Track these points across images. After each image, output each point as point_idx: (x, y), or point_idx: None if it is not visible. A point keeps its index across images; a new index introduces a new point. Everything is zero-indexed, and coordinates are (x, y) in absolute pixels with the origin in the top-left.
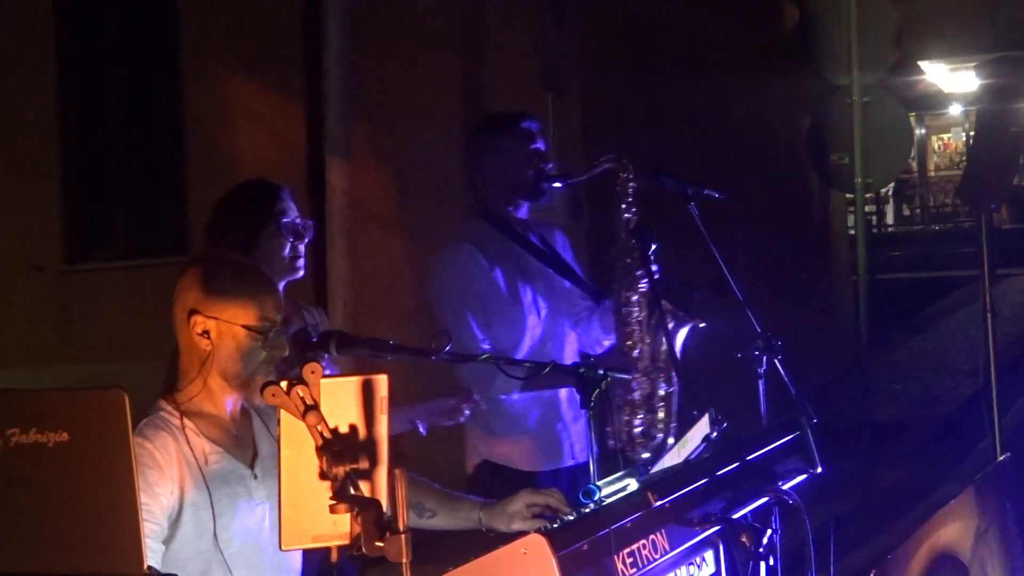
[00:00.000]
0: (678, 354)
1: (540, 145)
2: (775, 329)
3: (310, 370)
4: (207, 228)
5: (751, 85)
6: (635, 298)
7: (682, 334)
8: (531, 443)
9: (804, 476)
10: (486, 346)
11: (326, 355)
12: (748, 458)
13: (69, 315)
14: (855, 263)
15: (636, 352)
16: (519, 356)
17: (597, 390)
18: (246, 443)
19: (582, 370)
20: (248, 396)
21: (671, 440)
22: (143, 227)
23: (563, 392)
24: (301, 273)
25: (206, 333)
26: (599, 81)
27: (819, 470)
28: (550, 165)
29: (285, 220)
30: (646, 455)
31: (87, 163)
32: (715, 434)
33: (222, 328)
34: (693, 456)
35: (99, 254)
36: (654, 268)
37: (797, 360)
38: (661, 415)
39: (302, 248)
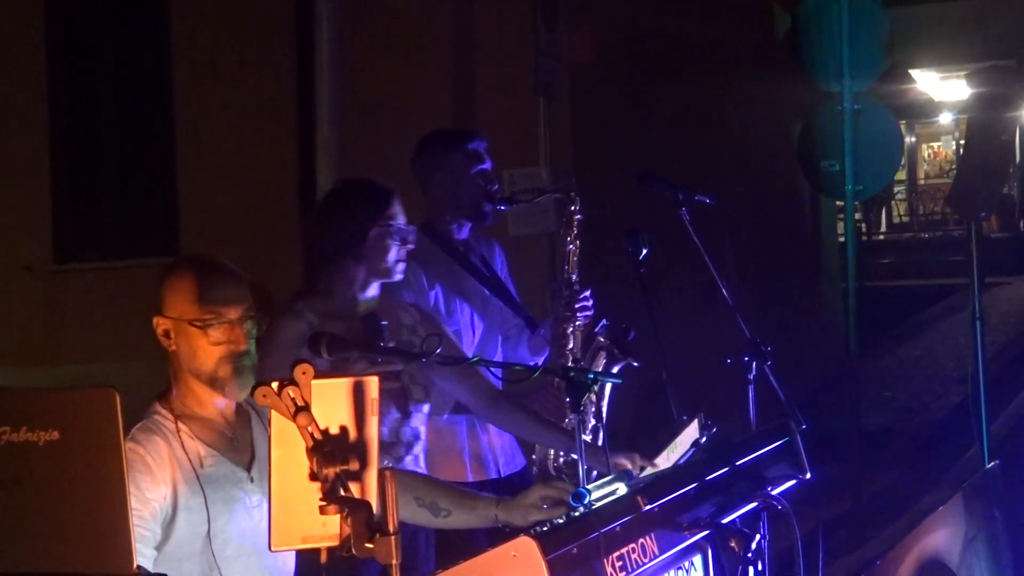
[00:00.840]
0: (605, 394)
1: (487, 166)
2: (765, 335)
3: (301, 371)
4: (314, 217)
5: (742, 91)
6: (570, 330)
7: (607, 390)
8: (458, 458)
9: (793, 482)
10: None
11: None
12: (737, 463)
13: (59, 315)
14: (844, 269)
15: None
16: None
17: (587, 394)
18: (242, 445)
19: (572, 374)
20: (225, 395)
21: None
22: (133, 228)
23: None
24: (399, 276)
25: (167, 333)
26: (590, 85)
27: (808, 476)
28: (496, 187)
29: (395, 223)
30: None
31: (77, 163)
32: (704, 439)
33: (176, 326)
34: (682, 461)
35: (89, 255)
36: (589, 303)
37: (786, 366)
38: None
39: (404, 253)
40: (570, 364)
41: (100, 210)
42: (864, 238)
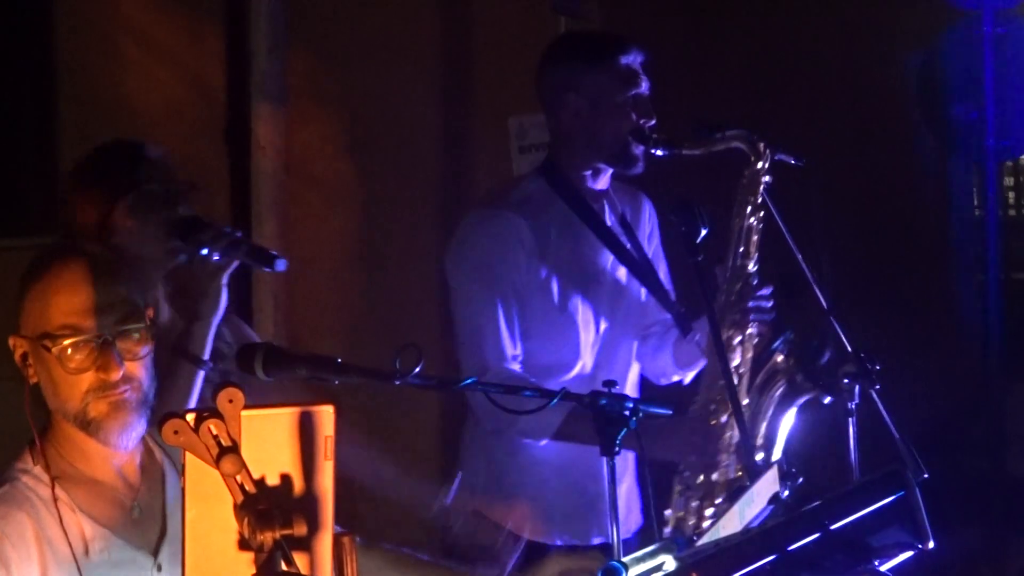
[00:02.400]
0: (783, 437)
1: (643, 89)
2: (872, 348)
3: (227, 398)
4: (59, 212)
5: (842, 15)
6: (739, 339)
7: (790, 414)
8: (549, 507)
9: (910, 552)
10: (515, 367)
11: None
12: (832, 527)
13: None
14: (984, 256)
15: (724, 418)
16: (565, 383)
17: (625, 430)
18: (148, 517)
19: (603, 402)
20: (103, 442)
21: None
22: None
23: None
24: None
25: (25, 358)
26: (631, 4)
27: (931, 545)
28: (653, 122)
29: (148, 188)
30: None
31: None
32: (786, 492)
33: (33, 349)
34: (756, 522)
35: None
36: (768, 305)
37: (902, 391)
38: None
39: None
40: (713, 397)
41: None
42: (1012, 213)
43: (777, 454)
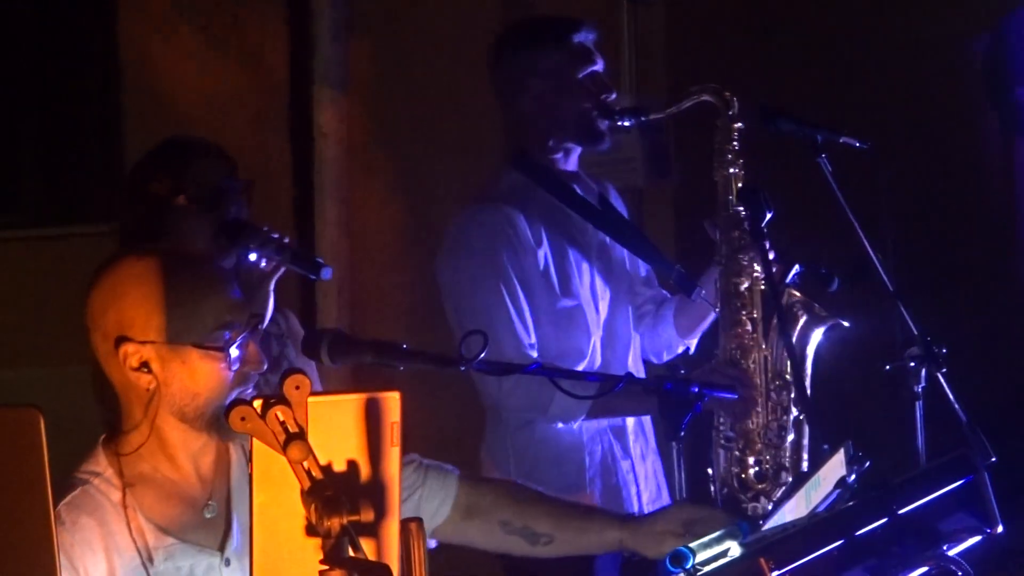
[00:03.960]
0: (809, 365)
1: (599, 66)
2: (939, 331)
3: (294, 384)
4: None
5: None
6: (746, 286)
7: (815, 337)
8: (587, 487)
9: (978, 537)
10: (533, 354)
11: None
12: (900, 512)
13: None
14: None
15: (751, 363)
16: (581, 368)
17: (690, 415)
18: (218, 514)
19: (668, 386)
20: (225, 437)
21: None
22: (61, 184)
23: (630, 420)
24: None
25: (145, 366)
26: None
27: (1000, 529)
28: (614, 95)
29: (201, 186)
30: (762, 506)
31: None
32: (853, 477)
33: (165, 354)
34: (822, 508)
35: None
36: (768, 246)
37: (970, 374)
38: (787, 451)
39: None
40: (748, 341)
41: (16, 162)
42: None
43: (807, 377)
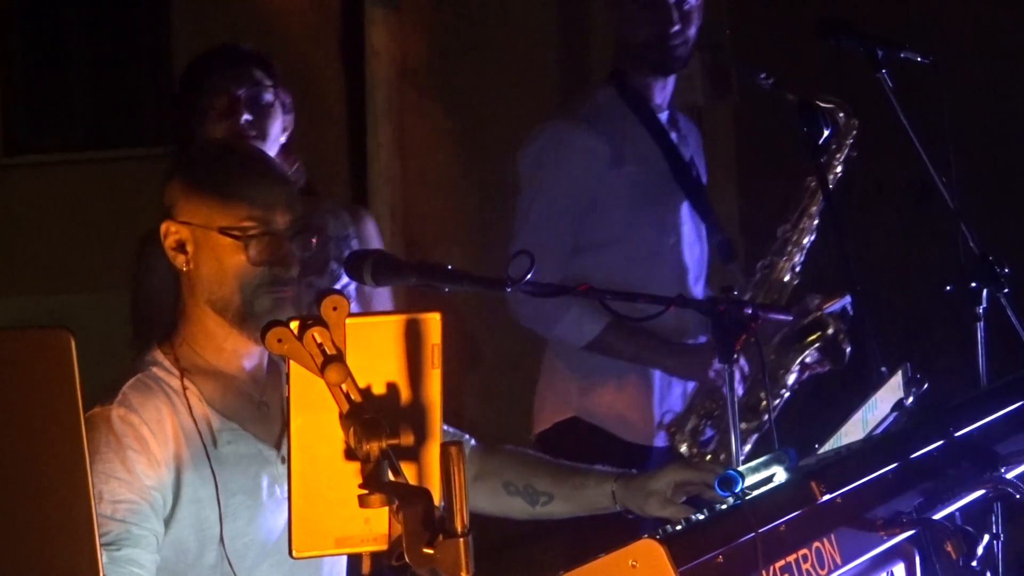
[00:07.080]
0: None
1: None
2: (1002, 251)
3: (331, 305)
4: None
5: None
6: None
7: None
8: (646, 407)
9: None
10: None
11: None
12: (958, 434)
13: (6, 226)
14: None
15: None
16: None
17: (744, 337)
18: (273, 413)
19: (722, 308)
20: (254, 338)
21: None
22: (109, 107)
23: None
24: None
25: (181, 245)
26: None
27: None
28: (677, 25)
29: (218, 96)
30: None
31: (35, 22)
32: (911, 399)
33: (198, 236)
34: (879, 430)
35: (49, 142)
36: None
37: None
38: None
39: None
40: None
41: (65, 82)
42: None
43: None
